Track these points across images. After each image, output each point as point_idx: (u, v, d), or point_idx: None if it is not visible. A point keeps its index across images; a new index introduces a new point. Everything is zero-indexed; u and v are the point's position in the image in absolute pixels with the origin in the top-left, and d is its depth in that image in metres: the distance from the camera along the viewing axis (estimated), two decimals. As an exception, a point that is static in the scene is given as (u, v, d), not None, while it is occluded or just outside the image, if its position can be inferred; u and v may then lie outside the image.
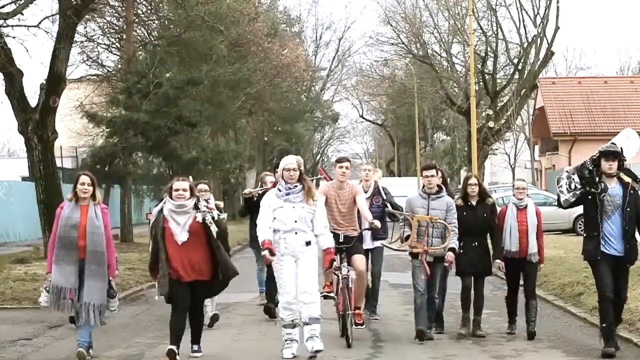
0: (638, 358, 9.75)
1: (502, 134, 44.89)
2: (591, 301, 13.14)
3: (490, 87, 43.38)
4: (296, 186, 9.39)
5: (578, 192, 9.66)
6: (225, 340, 10.96)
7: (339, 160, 11.21)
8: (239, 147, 36.57)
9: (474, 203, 10.97)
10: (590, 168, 9.66)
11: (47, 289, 9.57)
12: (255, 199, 12.58)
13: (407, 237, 10.57)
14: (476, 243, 10.88)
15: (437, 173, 10.82)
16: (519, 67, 42.90)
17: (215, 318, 11.83)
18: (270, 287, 12.16)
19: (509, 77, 44.62)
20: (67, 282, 9.40)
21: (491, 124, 41.44)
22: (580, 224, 30.05)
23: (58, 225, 9.50)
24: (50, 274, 9.54)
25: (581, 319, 12.51)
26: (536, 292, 11.31)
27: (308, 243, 9.37)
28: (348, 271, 10.32)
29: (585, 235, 9.90)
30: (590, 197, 9.62)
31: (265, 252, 9.21)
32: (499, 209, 11.21)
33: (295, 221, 9.30)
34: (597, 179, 9.59)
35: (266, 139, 55.30)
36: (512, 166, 59.40)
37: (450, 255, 10.46)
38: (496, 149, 55.49)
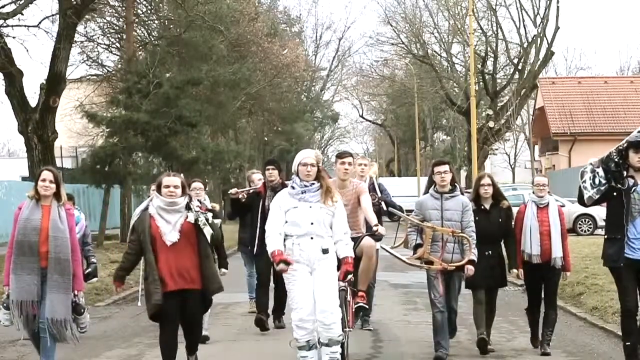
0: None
1: (502, 134, 44.97)
2: (591, 301, 13.15)
3: (490, 87, 43.43)
4: (313, 184, 7.99)
5: (602, 188, 8.40)
6: (224, 340, 10.95)
7: (340, 155, 9.74)
8: (239, 147, 36.60)
9: (487, 206, 9.86)
10: (617, 160, 8.39)
11: (5, 304, 8.25)
12: (243, 199, 11.57)
13: (417, 247, 9.43)
14: (490, 252, 9.71)
15: (450, 170, 9.70)
16: (519, 67, 42.96)
17: (204, 339, 10.30)
18: (260, 295, 11.49)
19: (509, 77, 44.69)
20: (28, 294, 8.10)
21: (491, 124, 41.52)
22: (580, 224, 30.13)
23: (16, 229, 8.16)
24: (8, 287, 8.21)
25: (581, 319, 12.51)
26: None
27: (325, 251, 7.91)
28: (346, 284, 8.66)
29: (606, 237, 8.55)
30: (615, 193, 8.36)
31: (281, 266, 7.75)
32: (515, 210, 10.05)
33: (312, 223, 7.88)
34: (625, 173, 8.37)
35: (266, 139, 55.34)
36: (512, 166, 59.46)
37: (470, 269, 9.36)
38: (496, 149, 55.56)
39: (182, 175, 8.18)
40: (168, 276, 7.78)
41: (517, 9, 42.15)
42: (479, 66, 42.15)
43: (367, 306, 9.42)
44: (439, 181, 9.50)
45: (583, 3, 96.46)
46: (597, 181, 8.40)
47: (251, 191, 11.70)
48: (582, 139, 47.92)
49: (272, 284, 11.39)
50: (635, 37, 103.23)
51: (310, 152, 8.17)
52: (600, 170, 8.40)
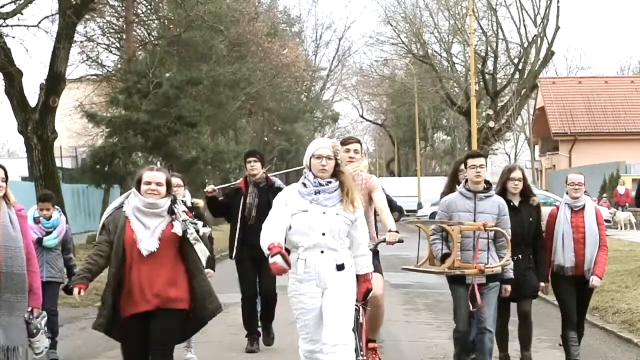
0: (638, 358, 9.72)
1: (502, 134, 45.00)
2: (591, 301, 13.08)
3: (491, 87, 43.45)
4: (330, 182, 6.33)
5: None
6: (224, 340, 10.94)
7: (345, 141, 7.81)
8: (239, 147, 36.59)
9: (516, 203, 8.32)
10: None
11: None
12: (220, 197, 10.06)
13: (445, 257, 7.75)
14: (520, 256, 8.18)
15: (486, 164, 8.08)
16: (519, 67, 42.99)
17: None
18: (245, 311, 10.41)
19: (509, 77, 44.74)
20: None
21: (491, 124, 41.55)
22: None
23: None
24: None
25: (581, 319, 12.46)
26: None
27: (340, 267, 6.30)
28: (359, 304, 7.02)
29: None
30: None
31: (276, 258, 6.00)
32: (544, 211, 8.61)
33: (324, 234, 6.24)
34: None
35: (266, 139, 55.36)
36: (512, 166, 59.45)
37: (506, 290, 7.95)
38: (496, 149, 55.56)
39: (168, 170, 6.70)
40: (138, 293, 6.35)
41: (517, 8, 42.25)
42: (479, 66, 42.16)
43: None
44: (473, 177, 7.85)
45: (583, 3, 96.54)
46: None
47: (230, 187, 10.19)
48: (582, 139, 47.93)
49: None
50: (635, 37, 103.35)
51: (326, 142, 6.45)
52: None
